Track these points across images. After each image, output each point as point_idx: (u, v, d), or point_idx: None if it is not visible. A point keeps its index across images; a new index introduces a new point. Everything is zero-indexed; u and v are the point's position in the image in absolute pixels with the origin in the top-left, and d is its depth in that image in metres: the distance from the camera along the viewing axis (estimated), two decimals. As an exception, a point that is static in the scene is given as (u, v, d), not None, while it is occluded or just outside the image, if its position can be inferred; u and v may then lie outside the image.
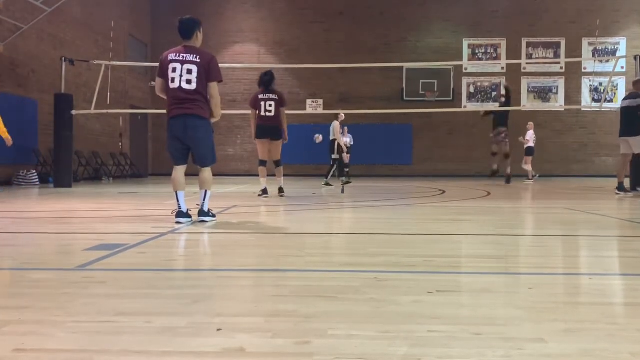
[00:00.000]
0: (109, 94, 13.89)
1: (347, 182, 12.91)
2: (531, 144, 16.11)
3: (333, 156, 13.22)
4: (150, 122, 22.28)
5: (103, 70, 12.86)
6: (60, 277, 2.90)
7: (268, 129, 9.05)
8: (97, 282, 2.76)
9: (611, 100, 21.44)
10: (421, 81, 21.69)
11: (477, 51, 22.22)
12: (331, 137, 13.22)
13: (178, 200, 5.28)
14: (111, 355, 1.72)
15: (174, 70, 5.19)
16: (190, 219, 5.24)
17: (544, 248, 4.08)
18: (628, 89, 19.11)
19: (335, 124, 13.20)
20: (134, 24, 20.70)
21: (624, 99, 10.08)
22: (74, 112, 12.60)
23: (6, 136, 10.34)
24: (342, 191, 10.78)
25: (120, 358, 1.70)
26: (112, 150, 18.70)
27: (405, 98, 21.64)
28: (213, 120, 5.43)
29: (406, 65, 20.69)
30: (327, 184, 12.87)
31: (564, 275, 3.08)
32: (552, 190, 11.64)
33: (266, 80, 8.98)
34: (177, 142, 5.29)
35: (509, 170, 12.67)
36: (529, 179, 15.59)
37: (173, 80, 5.20)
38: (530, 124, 16.40)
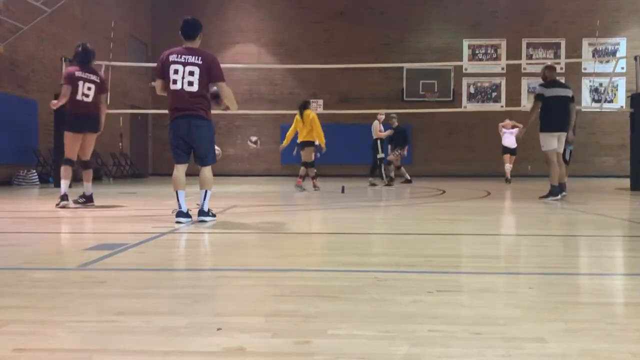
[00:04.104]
0: (109, 94, 13.87)
1: (374, 184, 13.05)
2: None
3: (378, 155, 13.27)
4: (150, 122, 22.26)
5: (103, 70, 12.84)
6: (61, 277, 2.90)
7: (91, 120, 7.16)
8: (97, 281, 2.76)
9: (611, 101, 21.43)
10: (421, 81, 21.67)
11: (477, 51, 22.20)
12: (374, 137, 13.34)
13: (178, 200, 5.28)
14: (111, 354, 1.72)
15: (176, 72, 5.20)
16: (190, 219, 5.24)
17: (543, 248, 4.08)
18: (629, 89, 19.13)
19: (375, 124, 13.29)
20: (134, 24, 20.70)
21: (556, 87, 8.49)
22: (73, 112, 12.56)
23: None
24: (342, 191, 10.77)
25: (120, 357, 1.70)
26: (112, 150, 18.68)
27: (405, 98, 21.63)
28: (230, 111, 5.58)
29: (406, 65, 20.67)
30: (388, 184, 12.92)
31: (564, 275, 3.08)
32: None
33: (80, 54, 7.13)
34: (180, 141, 5.31)
35: (393, 174, 13.75)
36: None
37: (175, 82, 5.21)
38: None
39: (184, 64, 5.20)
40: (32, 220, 5.82)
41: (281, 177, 19.41)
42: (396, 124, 14.23)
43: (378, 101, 20.92)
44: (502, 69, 21.98)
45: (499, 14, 22.05)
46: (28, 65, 14.41)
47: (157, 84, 5.39)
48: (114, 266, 3.17)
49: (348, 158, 20.30)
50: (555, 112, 8.30)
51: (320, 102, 21.86)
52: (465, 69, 21.91)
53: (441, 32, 22.15)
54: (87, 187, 7.32)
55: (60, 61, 12.87)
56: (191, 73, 5.18)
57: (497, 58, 22.02)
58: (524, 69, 21.90)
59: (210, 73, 5.24)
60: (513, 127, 15.28)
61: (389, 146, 14.16)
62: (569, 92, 8.49)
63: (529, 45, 22.07)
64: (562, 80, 18.85)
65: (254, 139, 11.18)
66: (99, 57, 15.76)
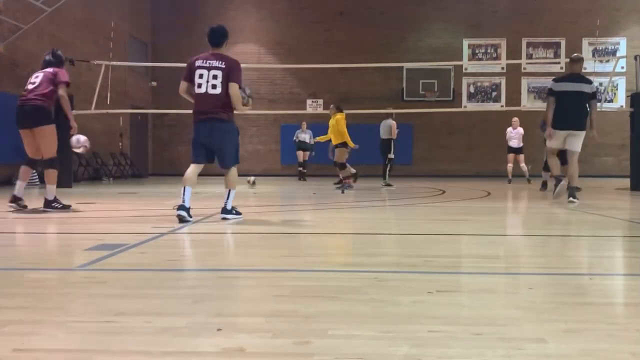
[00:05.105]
0: (109, 94, 13.87)
1: (389, 185, 12.82)
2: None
3: (389, 155, 13.04)
4: (150, 122, 22.25)
5: (103, 70, 12.84)
6: (61, 277, 2.90)
7: (26, 111, 6.45)
8: (97, 282, 2.76)
9: (611, 101, 21.42)
10: (421, 81, 21.66)
11: (477, 51, 22.19)
12: (384, 137, 13.02)
13: (184, 195, 5.32)
14: (111, 355, 1.72)
15: (201, 76, 5.44)
16: (189, 216, 5.24)
17: (544, 248, 4.08)
18: (629, 88, 19.12)
19: (392, 123, 12.99)
20: (134, 24, 20.68)
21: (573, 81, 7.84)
22: (74, 112, 12.58)
23: None
24: (342, 192, 10.77)
25: (120, 358, 1.70)
26: (112, 150, 18.68)
27: (405, 98, 21.62)
28: (236, 112, 5.68)
29: (406, 65, 20.66)
30: (388, 185, 12.76)
31: (564, 275, 3.08)
32: (551, 190, 11.63)
33: (53, 59, 6.92)
34: (201, 143, 5.54)
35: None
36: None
37: (200, 85, 5.44)
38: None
39: (209, 69, 5.45)
40: (32, 220, 5.81)
41: (281, 177, 19.41)
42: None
43: (378, 101, 20.92)
44: (502, 68, 21.98)
45: (499, 14, 22.04)
46: (28, 65, 14.39)
47: (182, 85, 5.60)
48: (114, 266, 3.17)
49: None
50: (564, 108, 7.66)
51: (320, 101, 21.86)
52: (465, 69, 21.90)
53: (441, 32, 22.14)
54: (49, 189, 6.54)
55: (60, 61, 12.87)
56: (215, 77, 5.42)
57: (497, 58, 22.01)
58: (524, 68, 21.90)
59: (229, 74, 5.44)
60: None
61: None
62: (584, 87, 7.73)
63: (529, 44, 22.07)
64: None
65: (251, 179, 12.41)
66: (99, 57, 15.83)
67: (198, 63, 5.49)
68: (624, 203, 8.54)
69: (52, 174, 6.60)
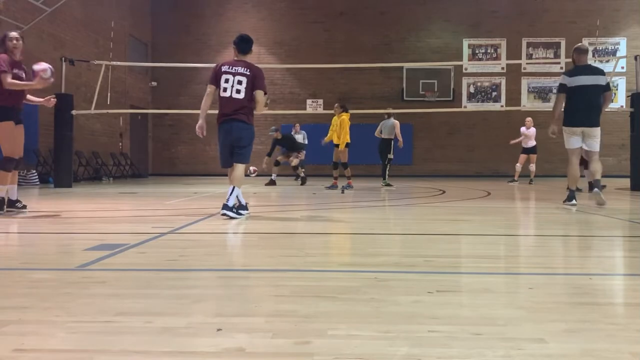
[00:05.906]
0: (109, 94, 13.88)
1: (389, 185, 12.74)
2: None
3: (389, 156, 12.90)
4: (150, 122, 22.25)
5: (103, 70, 12.85)
6: (61, 277, 2.90)
7: None
8: (97, 282, 2.76)
9: (611, 101, 21.42)
10: (421, 81, 21.67)
11: (477, 51, 22.20)
12: (385, 136, 12.86)
13: (238, 195, 5.84)
14: (111, 355, 1.72)
15: (227, 81, 5.81)
16: (248, 211, 5.90)
17: (544, 248, 4.08)
18: (629, 89, 19.12)
19: (396, 123, 12.83)
20: (134, 24, 20.68)
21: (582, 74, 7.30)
22: (74, 112, 12.60)
23: None
24: (342, 192, 10.77)
25: (120, 358, 1.70)
26: (112, 150, 18.68)
27: (405, 98, 21.63)
28: (255, 112, 6.01)
29: (406, 65, 20.67)
30: (388, 185, 12.68)
31: (564, 275, 3.08)
32: (552, 190, 11.65)
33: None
34: (224, 145, 5.86)
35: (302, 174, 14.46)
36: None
37: (225, 89, 5.82)
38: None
39: (234, 74, 5.80)
40: (32, 220, 5.81)
41: (281, 178, 19.39)
42: (280, 135, 14.80)
43: (378, 101, 20.94)
44: (502, 68, 21.98)
45: (499, 14, 22.04)
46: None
47: (208, 89, 5.94)
48: (114, 266, 3.17)
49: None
50: (578, 103, 7.17)
51: (320, 101, 21.86)
52: (465, 69, 21.91)
53: (441, 32, 22.14)
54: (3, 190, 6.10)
55: (61, 61, 12.88)
56: (240, 82, 5.80)
57: (497, 58, 22.02)
58: (524, 68, 21.91)
59: (255, 82, 5.82)
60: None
61: (282, 151, 15.16)
62: (599, 80, 7.22)
63: (529, 45, 22.07)
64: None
65: (252, 169, 12.84)
66: (99, 57, 15.84)
67: (224, 68, 5.84)
68: (624, 203, 8.54)
69: (0, 175, 6.01)
